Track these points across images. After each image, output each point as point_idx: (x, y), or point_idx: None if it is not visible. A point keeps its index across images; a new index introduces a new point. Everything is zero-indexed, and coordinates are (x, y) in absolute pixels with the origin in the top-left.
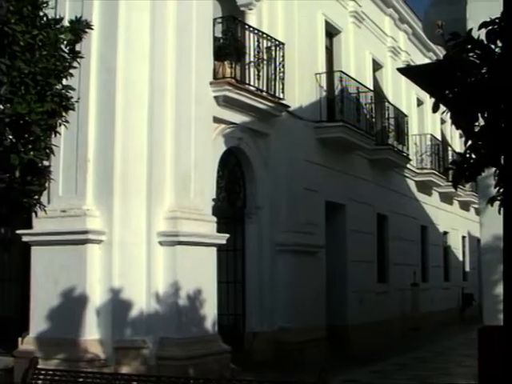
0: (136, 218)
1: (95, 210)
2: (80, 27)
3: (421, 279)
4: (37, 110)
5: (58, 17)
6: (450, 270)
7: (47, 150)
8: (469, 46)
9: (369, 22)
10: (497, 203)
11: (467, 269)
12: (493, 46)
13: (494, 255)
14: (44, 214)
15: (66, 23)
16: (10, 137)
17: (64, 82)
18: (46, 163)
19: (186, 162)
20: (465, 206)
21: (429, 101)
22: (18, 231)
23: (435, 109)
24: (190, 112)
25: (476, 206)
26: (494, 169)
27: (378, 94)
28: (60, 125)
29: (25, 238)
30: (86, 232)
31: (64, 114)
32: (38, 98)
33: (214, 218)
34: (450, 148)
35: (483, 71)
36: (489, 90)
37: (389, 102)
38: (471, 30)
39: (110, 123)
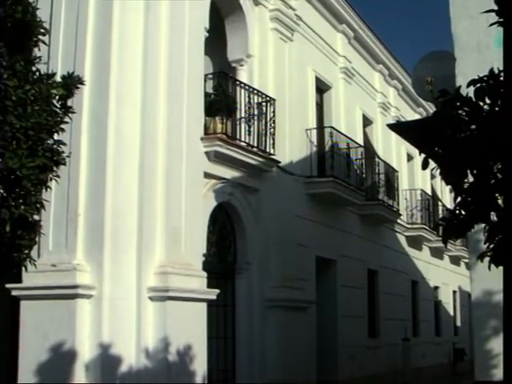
0: (126, 273)
1: (85, 264)
2: (72, 82)
3: (412, 334)
4: (28, 164)
5: (50, 72)
6: (441, 324)
7: (38, 205)
8: (457, 103)
9: (359, 78)
10: (487, 259)
11: (458, 323)
12: (481, 104)
13: (484, 310)
14: (34, 269)
15: (58, 78)
16: (1, 191)
17: (55, 136)
18: (36, 217)
19: (177, 217)
20: (455, 260)
21: (419, 156)
22: (8, 285)
23: (424, 166)
24: (180, 167)
25: (466, 260)
26: (483, 224)
27: (369, 149)
28: (51, 179)
29: (14, 292)
30: (75, 287)
31: (55, 168)
32: (30, 152)
33: (205, 274)
34: (440, 203)
35: (472, 128)
36: (477, 147)
37: (379, 158)
38: (460, 87)
39: (101, 177)
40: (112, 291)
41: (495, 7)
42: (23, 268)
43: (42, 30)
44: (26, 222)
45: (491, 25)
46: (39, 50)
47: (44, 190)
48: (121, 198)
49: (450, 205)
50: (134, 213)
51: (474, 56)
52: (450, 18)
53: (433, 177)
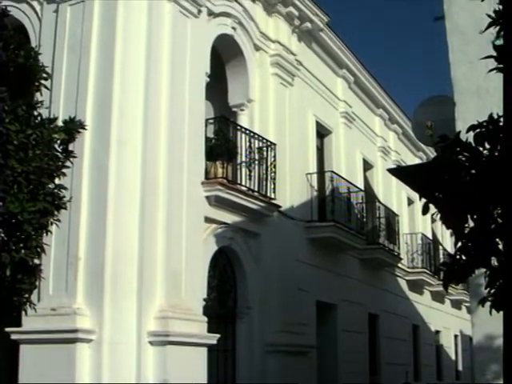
0: (126, 318)
1: (85, 308)
2: (74, 127)
3: (413, 378)
4: (29, 209)
5: (52, 116)
6: (443, 368)
7: (38, 249)
8: (457, 149)
9: (359, 123)
10: (488, 303)
11: (460, 368)
12: (481, 149)
13: (486, 355)
14: (34, 313)
15: (59, 123)
16: (2, 235)
17: (57, 181)
18: (36, 261)
19: (177, 261)
20: (456, 304)
21: (419, 201)
22: (7, 329)
23: (425, 211)
24: (181, 211)
25: (468, 304)
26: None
27: (369, 193)
28: (52, 224)
29: (14, 336)
30: (75, 331)
31: (56, 213)
32: (31, 196)
33: (205, 318)
34: (441, 247)
35: (472, 173)
36: (477, 192)
37: (379, 202)
38: (459, 132)
39: (102, 222)
40: (112, 335)
41: (494, 53)
42: (23, 312)
43: (44, 75)
44: (26, 266)
45: (490, 71)
46: (41, 94)
47: (45, 234)
48: (121, 242)
49: (450, 248)
50: (134, 257)
51: (474, 101)
52: (450, 63)
53: (433, 220)
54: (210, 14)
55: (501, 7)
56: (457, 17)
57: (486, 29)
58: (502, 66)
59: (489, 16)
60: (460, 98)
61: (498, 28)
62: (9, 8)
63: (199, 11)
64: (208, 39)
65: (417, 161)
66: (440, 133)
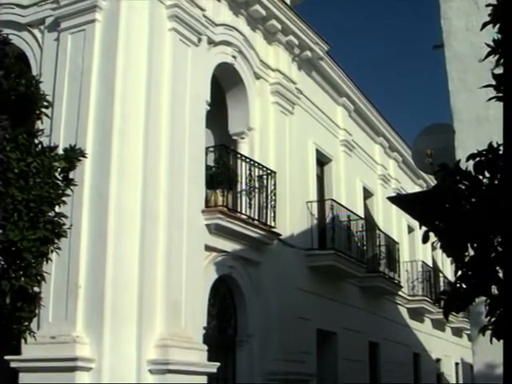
0: (126, 346)
1: (85, 336)
2: (74, 155)
3: None
4: (29, 237)
5: (52, 144)
6: None
7: (38, 277)
8: (457, 177)
9: (359, 151)
10: (488, 332)
11: None
12: (481, 177)
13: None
14: (33, 340)
15: (60, 151)
16: (2, 263)
17: (57, 209)
18: (36, 289)
19: (177, 289)
20: (457, 332)
21: (419, 229)
22: (7, 357)
23: (425, 240)
24: (181, 240)
25: (468, 332)
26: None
27: (369, 221)
28: (52, 251)
29: (13, 364)
30: (75, 359)
31: (56, 240)
32: (31, 224)
33: (205, 347)
34: (441, 274)
35: (472, 201)
36: (477, 221)
37: (380, 230)
38: (459, 161)
39: (102, 250)
40: (112, 364)
41: (493, 82)
42: (23, 340)
43: (45, 103)
44: (26, 293)
45: (490, 99)
46: (42, 122)
47: (45, 262)
48: (121, 270)
49: (451, 276)
50: (134, 285)
51: (474, 129)
52: (449, 91)
53: (434, 248)
54: (211, 42)
55: (500, 36)
56: (456, 45)
57: (485, 58)
58: (501, 94)
59: (488, 45)
60: (460, 126)
61: (497, 57)
62: (10, 36)
63: (199, 40)
64: (208, 68)
65: (417, 189)
66: (440, 161)
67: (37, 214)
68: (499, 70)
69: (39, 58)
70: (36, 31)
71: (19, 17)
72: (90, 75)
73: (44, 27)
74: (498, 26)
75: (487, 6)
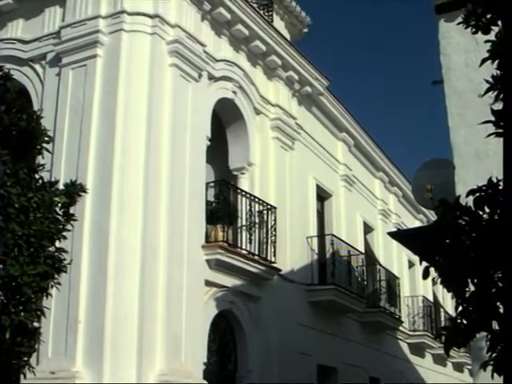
0: (126, 381)
1: (85, 372)
2: (75, 190)
3: None
4: (29, 272)
5: (53, 179)
6: None
7: (38, 312)
8: (457, 213)
9: (359, 186)
10: (490, 367)
11: None
12: (481, 213)
13: None
14: (33, 376)
15: (61, 186)
16: (2, 298)
17: (57, 243)
18: (36, 324)
19: (177, 324)
20: (459, 367)
21: (419, 265)
22: None
23: (425, 276)
24: (181, 275)
25: (470, 367)
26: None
27: (370, 256)
28: (52, 287)
29: None
30: None
31: (56, 276)
32: (31, 260)
33: (205, 382)
34: (442, 309)
35: (472, 237)
36: (478, 256)
37: (380, 265)
38: (459, 196)
39: (102, 284)
40: None
41: (493, 117)
42: (22, 375)
43: (46, 139)
44: (25, 329)
45: (489, 135)
46: (43, 157)
47: (44, 297)
48: (121, 306)
49: (452, 311)
50: (134, 320)
51: (474, 164)
52: (449, 126)
53: (434, 283)
54: (211, 77)
55: (499, 72)
56: (455, 81)
57: (484, 93)
58: (500, 130)
59: (487, 81)
60: (460, 161)
61: (496, 92)
62: (12, 71)
63: (200, 75)
64: (209, 103)
65: (417, 223)
66: (440, 196)
67: (37, 248)
68: (498, 106)
69: (40, 92)
70: (37, 66)
71: (21, 52)
72: (91, 110)
73: (45, 62)
74: (496, 62)
75: (486, 42)
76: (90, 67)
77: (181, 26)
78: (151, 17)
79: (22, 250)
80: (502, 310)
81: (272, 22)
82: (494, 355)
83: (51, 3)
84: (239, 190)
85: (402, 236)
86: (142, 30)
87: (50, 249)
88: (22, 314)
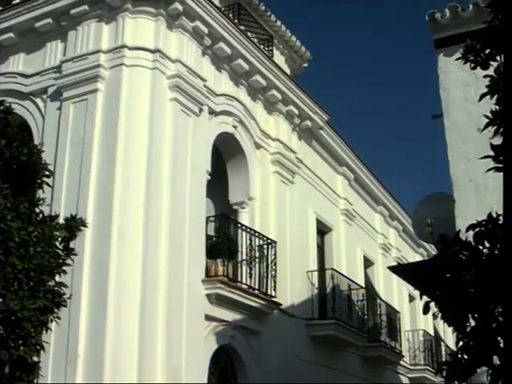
0: None
1: None
2: (75, 225)
3: None
4: (29, 306)
5: (53, 213)
6: None
7: (38, 347)
8: (457, 247)
9: (359, 220)
10: None
11: None
12: (481, 247)
13: None
14: None
15: (61, 220)
16: (1, 332)
17: (57, 278)
18: (35, 359)
19: (178, 359)
20: None
21: (420, 300)
22: None
23: (425, 311)
24: (181, 309)
25: None
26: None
27: (370, 290)
28: (51, 321)
29: None
30: None
31: (56, 310)
32: (31, 294)
33: None
34: (443, 343)
35: (472, 272)
36: (478, 291)
37: (380, 299)
38: (459, 231)
39: (102, 319)
40: None
41: (492, 152)
42: None
43: (47, 173)
44: (25, 363)
45: (488, 170)
46: (43, 191)
47: (44, 332)
48: (121, 340)
49: (452, 344)
50: (134, 355)
51: (473, 198)
52: (449, 160)
53: (435, 317)
54: (211, 112)
55: (497, 107)
56: (455, 115)
57: (483, 129)
58: (500, 165)
59: (486, 116)
60: (459, 195)
61: (495, 127)
62: (13, 105)
63: (200, 110)
64: (209, 137)
65: (418, 257)
66: (440, 230)
67: (37, 283)
68: (498, 140)
69: (41, 126)
70: (38, 100)
71: (22, 86)
72: (92, 144)
73: (46, 96)
74: (495, 97)
75: (485, 77)
76: (91, 101)
77: (181, 61)
78: (152, 51)
79: (22, 284)
80: (502, 345)
81: (272, 56)
82: None
83: (52, 37)
84: (239, 225)
85: (402, 270)
86: (142, 65)
87: (50, 283)
88: (22, 348)
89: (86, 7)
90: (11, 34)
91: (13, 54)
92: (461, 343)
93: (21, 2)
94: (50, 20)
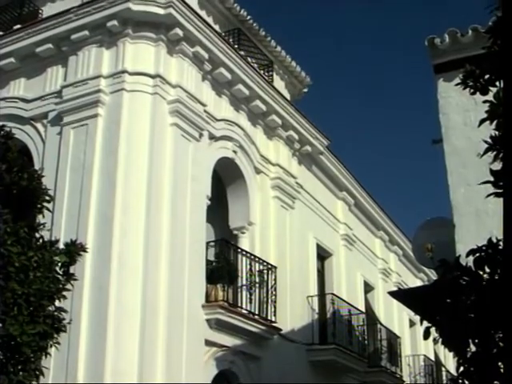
0: None
1: None
2: (75, 250)
3: None
4: (29, 331)
5: (53, 238)
6: None
7: (37, 372)
8: (457, 273)
9: (360, 245)
10: None
11: None
12: (481, 272)
13: None
14: None
15: (61, 245)
16: (0, 357)
17: (57, 303)
18: None
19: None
20: None
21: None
22: None
23: (426, 336)
24: (181, 334)
25: None
26: None
27: (370, 315)
28: (51, 346)
29: None
30: None
31: (56, 335)
32: (31, 319)
33: None
34: (443, 368)
35: (472, 297)
36: (479, 316)
37: (381, 324)
38: (459, 256)
39: (101, 344)
40: None
41: (492, 177)
42: None
43: (47, 198)
44: None
45: (488, 196)
46: (43, 216)
47: (44, 357)
48: (121, 365)
49: (453, 370)
50: (134, 380)
51: (473, 222)
52: (449, 185)
53: (436, 342)
54: (212, 137)
55: (497, 133)
56: (454, 140)
57: (483, 154)
58: (500, 190)
59: (485, 142)
60: (459, 219)
61: (494, 153)
62: (13, 130)
63: (201, 135)
64: (209, 162)
65: (418, 282)
66: (440, 255)
67: (37, 308)
68: (497, 166)
69: (41, 151)
70: (39, 125)
71: (22, 110)
72: (92, 169)
73: (47, 121)
74: (495, 122)
75: (484, 102)
76: (91, 126)
77: (182, 86)
78: (152, 77)
79: (22, 309)
80: (503, 371)
81: (272, 81)
82: None
83: (53, 63)
84: (239, 250)
85: (402, 295)
86: (143, 90)
87: (50, 308)
88: (21, 373)
89: (86, 32)
90: (12, 59)
91: (14, 78)
92: (462, 368)
93: (22, 28)
94: (50, 45)
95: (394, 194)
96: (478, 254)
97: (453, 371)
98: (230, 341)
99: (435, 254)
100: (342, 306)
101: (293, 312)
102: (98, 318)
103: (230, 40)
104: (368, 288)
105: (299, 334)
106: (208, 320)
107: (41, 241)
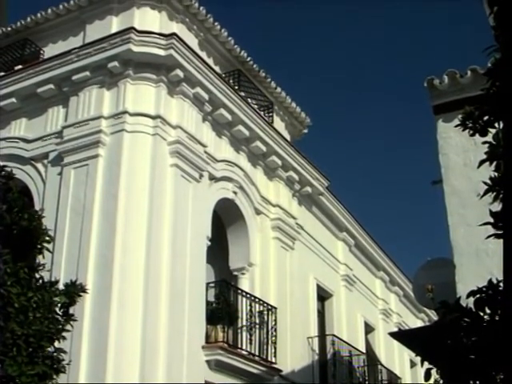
0: None
1: None
2: (75, 291)
3: None
4: (28, 372)
5: (53, 279)
6: None
7: None
8: (458, 314)
9: (360, 285)
10: None
11: None
12: (481, 313)
13: None
14: None
15: (61, 285)
16: None
17: (56, 344)
18: None
19: None
20: None
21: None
22: None
23: (427, 378)
24: (181, 375)
25: None
26: None
27: (371, 356)
28: None
29: None
30: None
31: (55, 376)
32: (30, 360)
33: None
34: None
35: (473, 338)
36: (479, 357)
37: (381, 365)
38: (459, 298)
39: (101, 372)
40: None
41: (491, 219)
42: None
43: (47, 238)
44: None
45: (488, 237)
46: (43, 256)
47: None
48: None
49: None
50: None
51: (474, 263)
52: (449, 225)
53: (437, 383)
54: (212, 178)
55: (497, 174)
56: (454, 180)
57: (483, 195)
58: (500, 232)
59: (485, 183)
60: (460, 260)
61: (494, 194)
62: (14, 170)
63: (201, 176)
64: (209, 203)
65: (419, 323)
66: (441, 295)
67: (36, 349)
68: (497, 207)
69: (42, 191)
70: (39, 165)
71: (23, 151)
72: (92, 210)
73: (47, 161)
74: (494, 163)
75: (484, 143)
76: (92, 167)
77: (182, 127)
78: (153, 117)
79: (21, 349)
80: None
81: (272, 122)
82: None
83: (54, 103)
84: (239, 291)
85: (403, 336)
86: (143, 131)
87: (49, 349)
88: None
89: (87, 73)
90: (13, 100)
91: (15, 118)
92: None
93: (23, 68)
94: (51, 86)
95: (395, 234)
96: (478, 296)
97: None
98: (230, 382)
99: (436, 295)
100: (342, 347)
101: (293, 353)
102: (98, 359)
103: (231, 81)
104: (369, 329)
105: (299, 376)
106: (208, 361)
107: (41, 281)
